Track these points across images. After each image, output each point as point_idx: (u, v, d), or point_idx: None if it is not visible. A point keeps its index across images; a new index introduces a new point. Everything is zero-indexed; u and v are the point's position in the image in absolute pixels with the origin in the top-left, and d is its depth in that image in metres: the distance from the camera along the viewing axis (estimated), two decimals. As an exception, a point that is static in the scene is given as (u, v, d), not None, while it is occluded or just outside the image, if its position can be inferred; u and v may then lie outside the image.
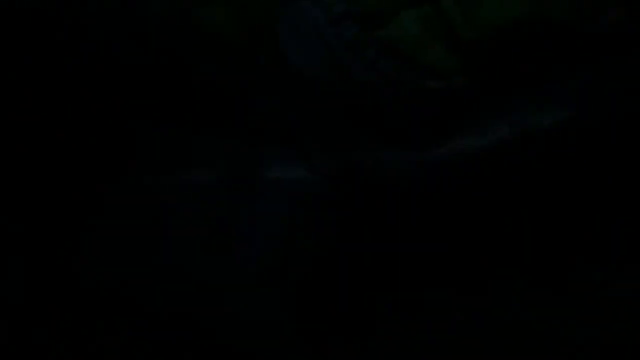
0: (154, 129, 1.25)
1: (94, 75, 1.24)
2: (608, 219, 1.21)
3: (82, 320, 1.23)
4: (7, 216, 1.25)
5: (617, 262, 1.22)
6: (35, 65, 1.25)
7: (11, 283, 1.25)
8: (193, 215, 1.23)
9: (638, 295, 1.21)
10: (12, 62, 1.25)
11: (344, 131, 1.23)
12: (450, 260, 1.22)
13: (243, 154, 1.24)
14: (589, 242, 1.22)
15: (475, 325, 1.21)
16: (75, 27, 1.25)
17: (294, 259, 1.21)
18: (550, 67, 1.20)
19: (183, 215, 1.23)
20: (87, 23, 1.25)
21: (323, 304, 1.22)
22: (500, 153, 1.19)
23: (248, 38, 1.23)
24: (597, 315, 1.21)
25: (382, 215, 1.22)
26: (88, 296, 1.24)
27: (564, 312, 1.21)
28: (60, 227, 1.25)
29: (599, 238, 1.22)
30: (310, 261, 1.21)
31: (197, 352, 1.22)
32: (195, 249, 1.22)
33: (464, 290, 1.23)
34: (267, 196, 1.23)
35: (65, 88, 1.25)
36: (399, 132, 1.22)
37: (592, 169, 1.20)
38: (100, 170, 1.25)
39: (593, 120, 1.18)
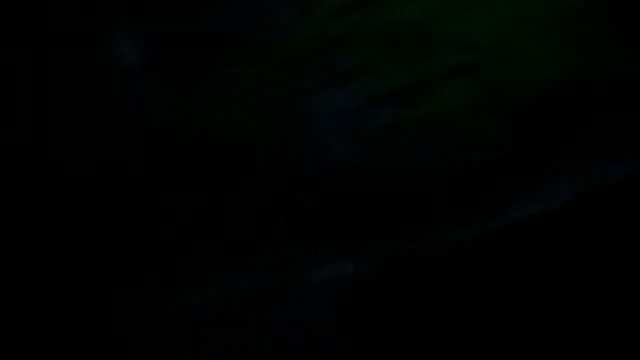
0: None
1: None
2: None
3: None
4: None
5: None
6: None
7: None
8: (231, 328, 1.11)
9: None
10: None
11: (390, 220, 1.11)
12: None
13: (286, 260, 1.11)
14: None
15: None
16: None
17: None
18: (600, 122, 1.08)
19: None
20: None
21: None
22: (565, 217, 1.09)
23: (269, 138, 1.08)
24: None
25: (438, 302, 1.12)
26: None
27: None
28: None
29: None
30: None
31: None
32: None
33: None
34: (313, 299, 1.11)
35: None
36: (448, 212, 1.10)
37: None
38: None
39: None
